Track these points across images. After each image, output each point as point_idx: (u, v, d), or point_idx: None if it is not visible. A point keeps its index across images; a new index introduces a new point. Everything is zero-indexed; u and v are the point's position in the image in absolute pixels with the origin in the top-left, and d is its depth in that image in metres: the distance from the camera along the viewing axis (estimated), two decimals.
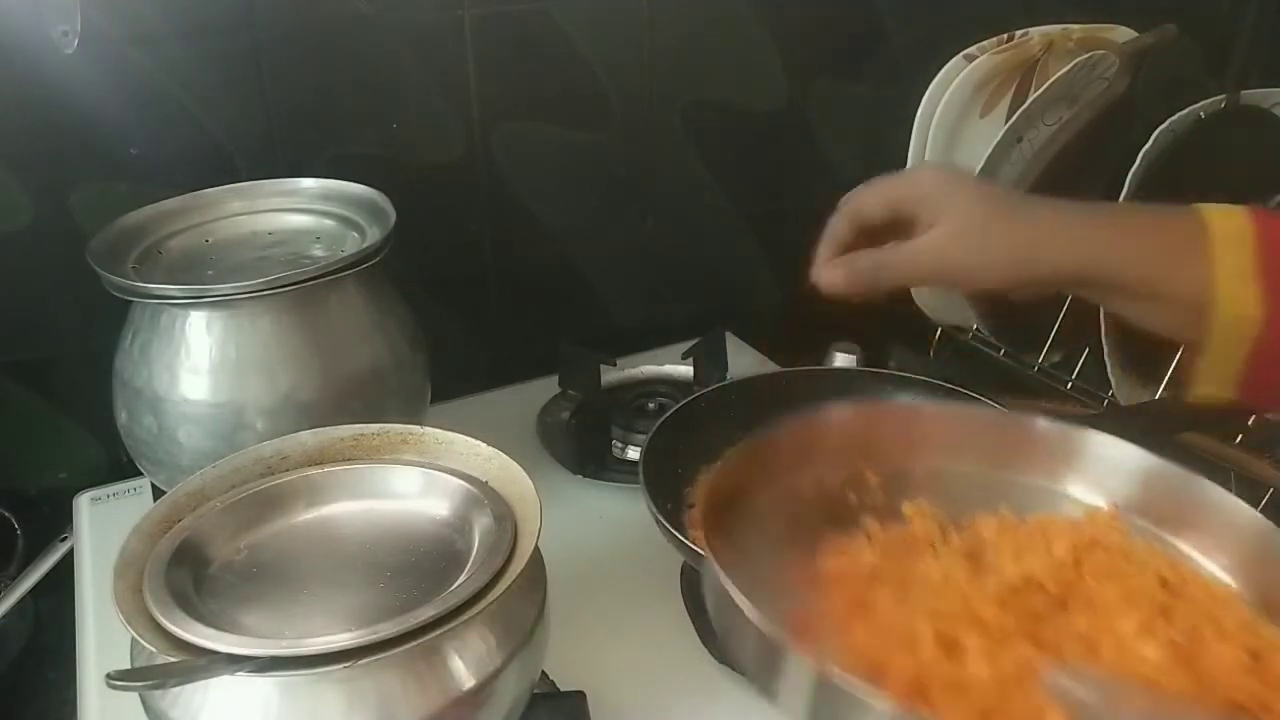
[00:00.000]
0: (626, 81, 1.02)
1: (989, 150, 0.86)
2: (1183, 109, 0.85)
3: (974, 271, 0.60)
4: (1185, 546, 0.53)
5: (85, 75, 0.81)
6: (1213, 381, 0.59)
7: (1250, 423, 0.84)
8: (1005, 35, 0.92)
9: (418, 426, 0.66)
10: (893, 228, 0.62)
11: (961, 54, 0.92)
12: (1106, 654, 0.46)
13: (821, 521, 0.53)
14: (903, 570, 0.50)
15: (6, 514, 0.87)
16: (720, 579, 0.43)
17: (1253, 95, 0.88)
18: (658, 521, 0.71)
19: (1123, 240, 0.60)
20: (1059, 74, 0.85)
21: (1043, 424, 0.58)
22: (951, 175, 0.62)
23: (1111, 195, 0.85)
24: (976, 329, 0.99)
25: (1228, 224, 0.58)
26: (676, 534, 0.69)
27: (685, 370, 1.01)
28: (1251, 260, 0.57)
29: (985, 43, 0.92)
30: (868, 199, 0.63)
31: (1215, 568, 0.52)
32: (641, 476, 0.74)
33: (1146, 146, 0.84)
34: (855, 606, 0.48)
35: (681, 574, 0.78)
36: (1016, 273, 0.60)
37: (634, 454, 0.91)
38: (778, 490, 0.54)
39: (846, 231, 0.63)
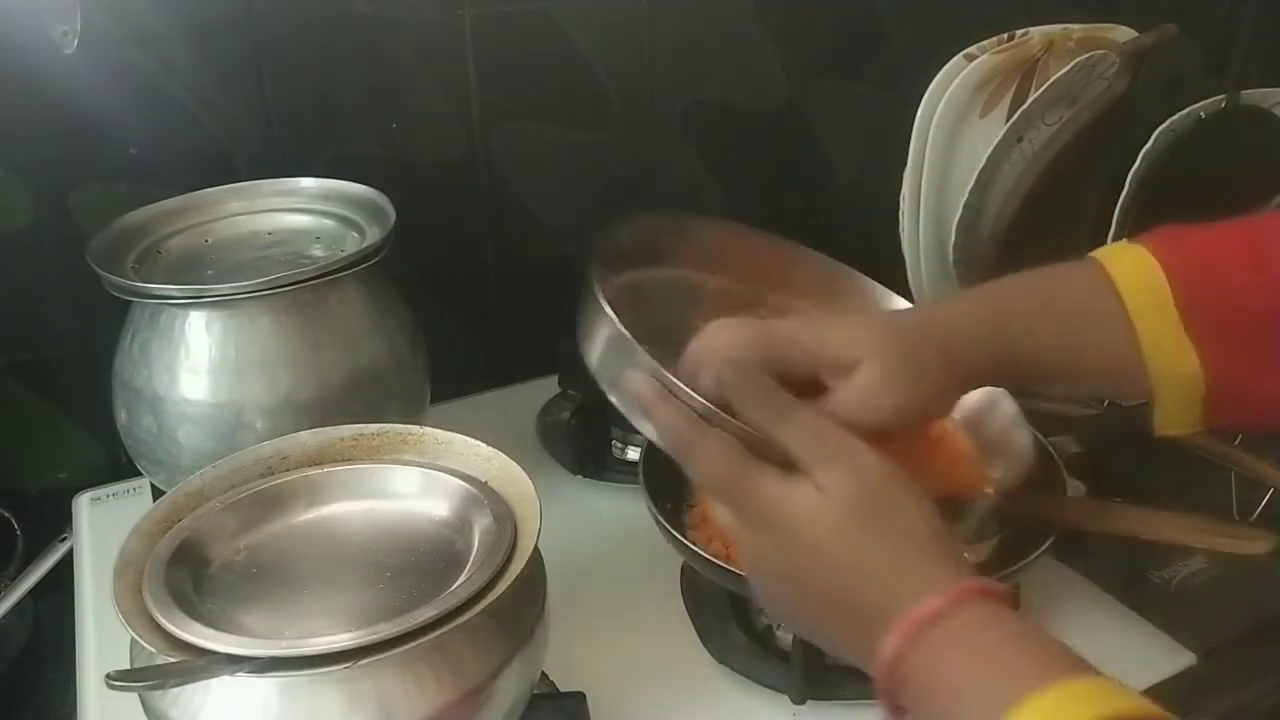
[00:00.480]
0: (626, 81, 1.02)
1: (989, 150, 0.86)
2: (1183, 109, 0.85)
3: (911, 406, 0.54)
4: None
5: (85, 75, 0.81)
6: (1174, 426, 0.58)
7: None
8: (1005, 35, 0.92)
9: (417, 426, 0.66)
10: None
11: (961, 54, 0.91)
12: None
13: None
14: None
15: (6, 514, 0.87)
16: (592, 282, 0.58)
17: (1253, 95, 0.88)
18: (658, 521, 0.71)
19: (1031, 320, 0.57)
20: (1059, 74, 0.85)
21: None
22: (852, 317, 0.59)
23: (1111, 195, 0.85)
24: None
25: (1136, 277, 0.56)
26: (676, 534, 0.70)
27: None
28: (1175, 316, 0.55)
29: (985, 43, 0.91)
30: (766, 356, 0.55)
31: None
32: (641, 476, 0.74)
33: (1147, 147, 0.84)
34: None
35: (681, 574, 0.78)
36: (951, 386, 0.56)
37: (634, 454, 0.91)
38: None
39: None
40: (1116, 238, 0.84)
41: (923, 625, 0.45)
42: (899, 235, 0.97)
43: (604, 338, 0.57)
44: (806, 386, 0.55)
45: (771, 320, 0.58)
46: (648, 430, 0.55)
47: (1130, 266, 0.56)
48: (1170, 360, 0.55)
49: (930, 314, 0.60)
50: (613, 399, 0.57)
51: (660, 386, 0.53)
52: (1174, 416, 0.57)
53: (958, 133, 0.91)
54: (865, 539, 0.48)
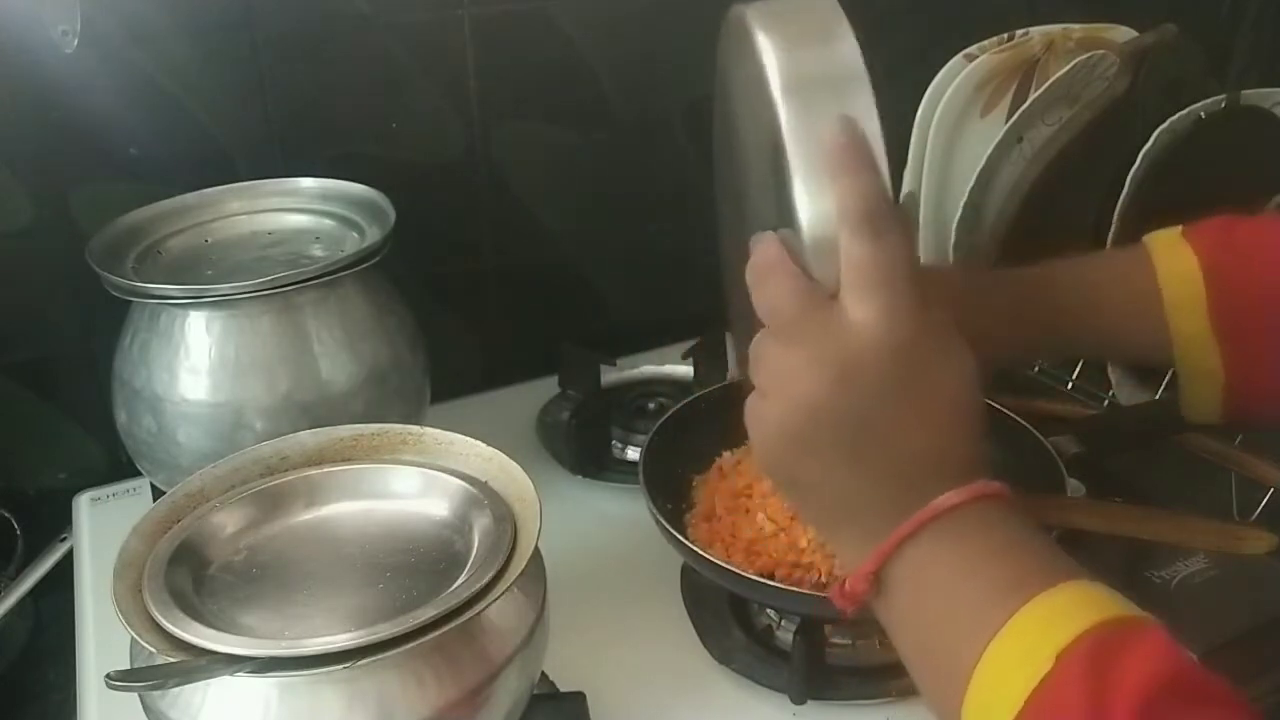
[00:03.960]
0: (626, 81, 1.02)
1: (989, 150, 0.86)
2: (1183, 109, 0.85)
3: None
4: None
5: (85, 75, 0.81)
6: (1198, 414, 0.65)
7: None
8: (1005, 35, 0.92)
9: (417, 426, 0.66)
10: None
11: (961, 54, 0.91)
12: None
13: None
14: None
15: (6, 514, 0.87)
16: None
17: (1253, 95, 0.88)
18: (658, 521, 0.71)
19: (1074, 320, 0.64)
20: (1059, 74, 0.85)
21: None
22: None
23: (1112, 195, 0.85)
24: None
25: (1176, 278, 0.61)
26: (676, 534, 0.69)
27: (685, 370, 1.01)
28: (1208, 321, 0.60)
29: (985, 43, 0.91)
30: None
31: None
32: (641, 476, 0.74)
33: (1147, 146, 0.84)
34: None
35: (681, 574, 0.78)
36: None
37: (634, 454, 0.91)
38: None
39: None
40: (1116, 238, 0.84)
41: (937, 517, 0.44)
42: None
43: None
44: None
45: None
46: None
47: (1175, 265, 0.62)
48: (1195, 357, 0.62)
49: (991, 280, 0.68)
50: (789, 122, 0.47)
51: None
52: (1197, 408, 0.65)
53: (958, 133, 0.91)
54: (916, 391, 0.45)
